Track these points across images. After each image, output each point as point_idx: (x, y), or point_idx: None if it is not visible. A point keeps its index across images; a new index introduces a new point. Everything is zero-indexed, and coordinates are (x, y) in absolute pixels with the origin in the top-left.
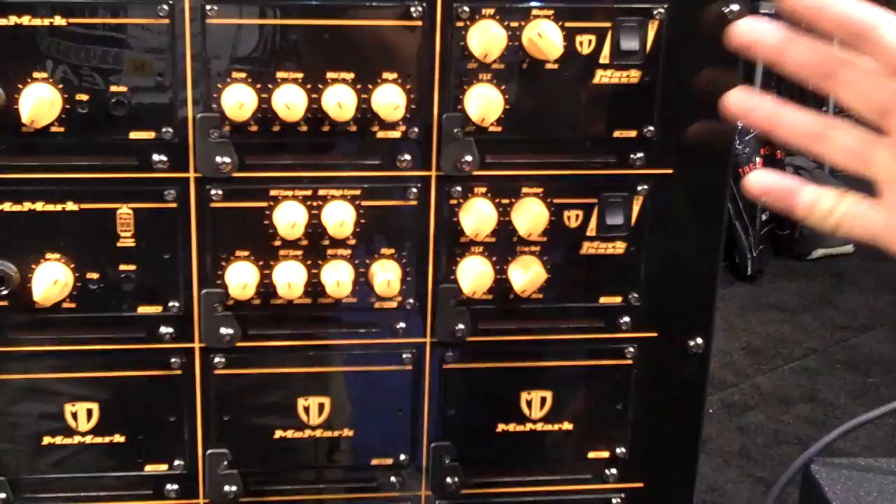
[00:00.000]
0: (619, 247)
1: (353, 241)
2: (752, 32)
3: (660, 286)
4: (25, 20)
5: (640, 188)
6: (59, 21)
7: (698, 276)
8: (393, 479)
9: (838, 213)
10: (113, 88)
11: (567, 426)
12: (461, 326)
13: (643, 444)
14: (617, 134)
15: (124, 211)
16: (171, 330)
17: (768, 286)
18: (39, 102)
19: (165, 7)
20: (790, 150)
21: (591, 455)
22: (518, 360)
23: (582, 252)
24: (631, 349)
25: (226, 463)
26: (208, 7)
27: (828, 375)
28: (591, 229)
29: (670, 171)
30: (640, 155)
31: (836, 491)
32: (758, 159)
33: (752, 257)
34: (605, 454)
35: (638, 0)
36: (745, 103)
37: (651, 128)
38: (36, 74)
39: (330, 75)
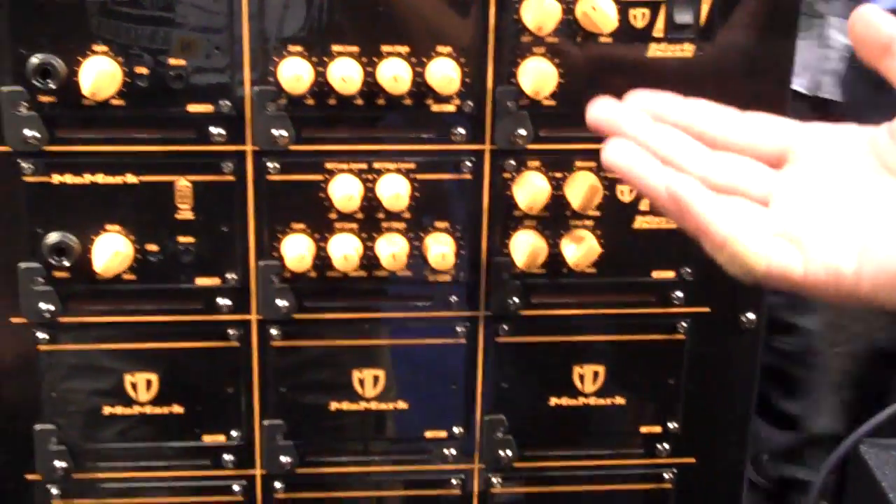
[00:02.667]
0: (672, 222)
1: (407, 215)
2: (611, 117)
3: (713, 261)
4: None
5: None
6: None
7: None
8: (446, 451)
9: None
10: (172, 62)
11: (619, 401)
12: (514, 300)
13: (695, 419)
14: None
15: (183, 183)
16: (228, 301)
17: None
18: (100, 75)
19: None
20: None
21: (643, 430)
22: (570, 334)
23: (635, 226)
24: (683, 324)
25: (281, 434)
26: None
27: None
28: (645, 204)
29: None
30: None
31: (885, 472)
32: None
33: None
34: (657, 429)
35: None
36: (608, 118)
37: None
38: (95, 48)
39: (385, 48)
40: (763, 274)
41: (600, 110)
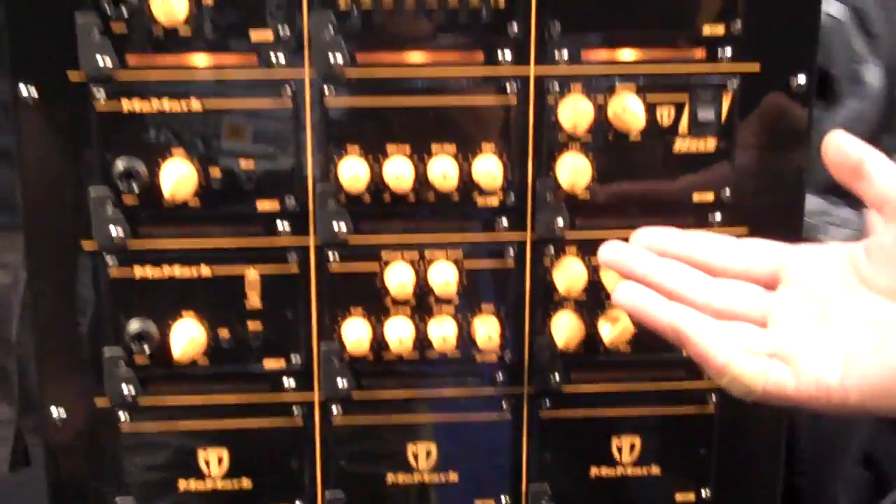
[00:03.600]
0: None
1: (456, 300)
2: (619, 257)
3: None
4: (165, 104)
5: None
6: (195, 105)
7: None
8: None
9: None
10: (243, 164)
11: (655, 470)
12: (556, 377)
13: (726, 485)
14: (696, 198)
15: (252, 274)
16: (292, 382)
17: None
18: (179, 180)
19: (289, 89)
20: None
21: (678, 498)
22: (608, 407)
23: None
24: (713, 396)
25: None
26: (326, 89)
27: None
28: None
29: (744, 230)
30: (717, 215)
31: None
32: None
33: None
34: (691, 496)
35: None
36: (617, 258)
37: (727, 192)
38: (174, 151)
39: (434, 147)
40: (761, 393)
41: (610, 252)
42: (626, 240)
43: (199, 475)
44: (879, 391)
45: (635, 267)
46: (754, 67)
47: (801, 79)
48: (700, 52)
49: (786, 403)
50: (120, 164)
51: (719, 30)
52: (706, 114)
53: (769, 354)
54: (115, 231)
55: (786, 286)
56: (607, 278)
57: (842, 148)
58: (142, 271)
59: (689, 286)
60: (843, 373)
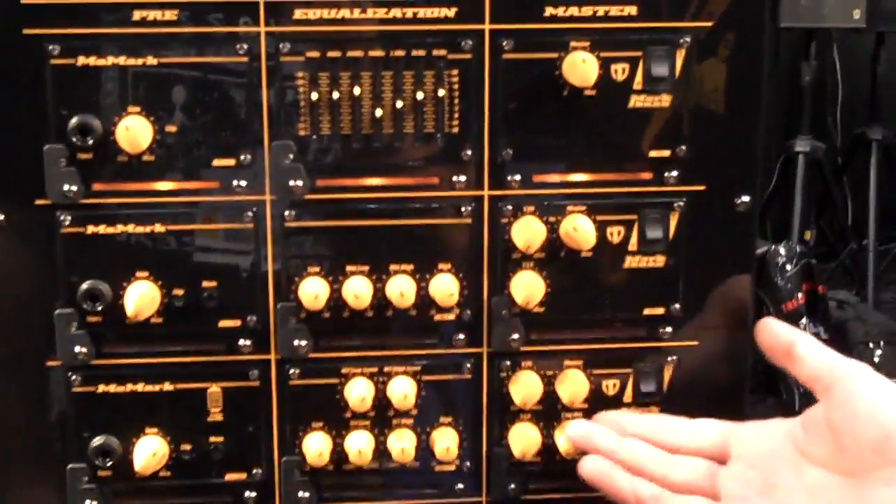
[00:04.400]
0: (653, 410)
1: (414, 412)
2: (586, 433)
3: None
4: (130, 228)
5: (669, 359)
6: (158, 228)
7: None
8: None
9: None
10: (205, 284)
11: None
12: (513, 486)
13: None
14: (647, 312)
15: (214, 389)
16: (254, 494)
17: None
18: (142, 299)
19: (250, 214)
20: (833, 285)
21: None
22: None
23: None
24: None
25: None
26: (286, 213)
27: None
28: (628, 396)
29: (695, 343)
30: (668, 329)
31: None
32: (800, 294)
33: (800, 392)
34: None
35: (659, 195)
36: (583, 435)
37: (677, 306)
38: (139, 274)
39: (392, 267)
40: None
41: (576, 429)
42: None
43: None
44: None
45: (600, 443)
46: (700, 187)
47: (745, 199)
48: (647, 175)
49: None
50: (84, 286)
51: (665, 153)
52: (655, 232)
53: None
54: (79, 349)
55: (734, 461)
56: (562, 390)
57: (773, 332)
58: (105, 387)
59: (647, 462)
60: None
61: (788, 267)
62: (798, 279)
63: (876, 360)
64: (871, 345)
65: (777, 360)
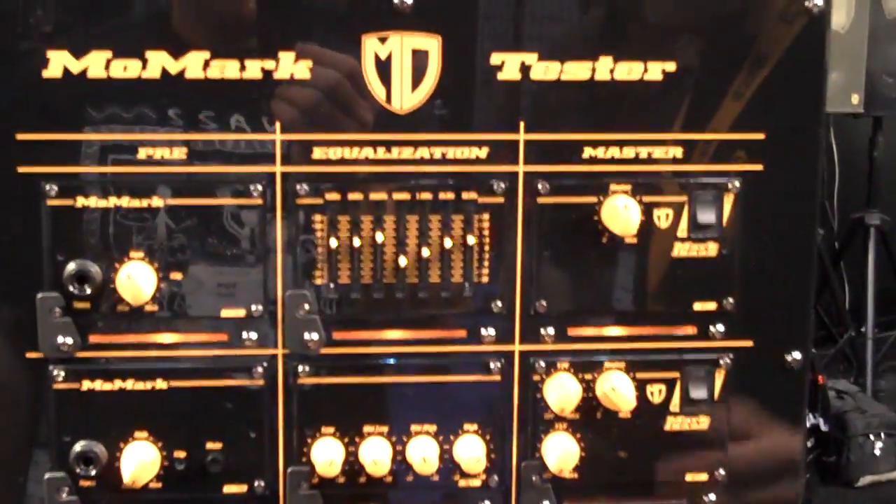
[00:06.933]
0: None
1: None
2: None
3: None
4: (129, 384)
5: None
6: (160, 385)
7: None
8: None
9: None
10: (209, 445)
11: None
12: None
13: None
14: (689, 478)
15: None
16: None
17: None
18: (141, 465)
19: (260, 369)
20: (831, 371)
21: None
22: None
23: None
24: None
25: None
26: (300, 368)
27: None
28: None
29: None
30: (711, 495)
31: None
32: None
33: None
34: None
35: (704, 351)
36: None
37: (722, 471)
38: (137, 434)
39: (414, 428)
40: None
41: None
42: None
43: None
44: None
45: None
46: (747, 343)
47: (797, 355)
48: (691, 329)
49: None
50: (77, 448)
51: (711, 306)
52: (699, 392)
53: None
54: None
55: None
56: None
57: None
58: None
59: None
60: None
61: None
62: None
63: (877, 452)
64: (871, 437)
65: None
